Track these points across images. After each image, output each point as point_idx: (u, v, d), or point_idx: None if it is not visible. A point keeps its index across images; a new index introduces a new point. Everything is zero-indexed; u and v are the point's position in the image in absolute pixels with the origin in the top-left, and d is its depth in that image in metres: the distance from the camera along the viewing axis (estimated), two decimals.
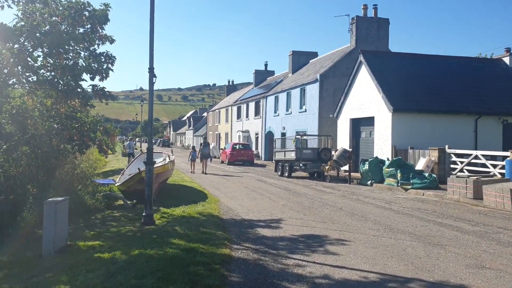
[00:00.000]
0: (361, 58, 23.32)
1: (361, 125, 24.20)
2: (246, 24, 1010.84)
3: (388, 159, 18.45)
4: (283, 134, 34.00)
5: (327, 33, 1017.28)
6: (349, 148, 22.77)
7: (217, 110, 59.70)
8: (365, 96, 23.04)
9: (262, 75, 50.93)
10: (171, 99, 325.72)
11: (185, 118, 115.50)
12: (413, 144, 20.03)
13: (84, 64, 11.42)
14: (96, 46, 11.92)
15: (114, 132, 12.64)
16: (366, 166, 18.19)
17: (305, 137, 24.61)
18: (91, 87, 11.42)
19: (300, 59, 39.44)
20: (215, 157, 42.82)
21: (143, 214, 9.08)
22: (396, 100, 20.78)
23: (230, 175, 23.19)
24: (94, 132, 12.31)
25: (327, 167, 20.40)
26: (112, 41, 12.09)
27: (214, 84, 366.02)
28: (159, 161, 16.18)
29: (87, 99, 11.56)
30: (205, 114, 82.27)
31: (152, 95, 9.45)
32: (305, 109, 30.99)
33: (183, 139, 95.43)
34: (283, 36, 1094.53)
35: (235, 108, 49.61)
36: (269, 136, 38.44)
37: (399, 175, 16.35)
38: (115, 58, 11.89)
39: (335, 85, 28.74)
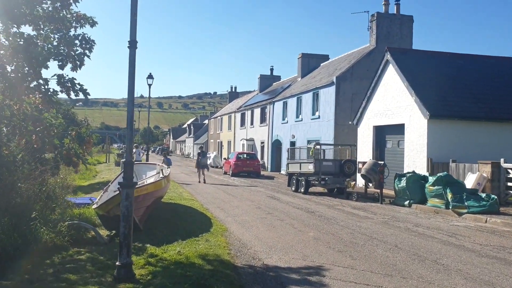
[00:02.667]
0: (387, 56, 20.27)
1: (386, 133, 21.07)
2: (249, 30, 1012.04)
3: (430, 175, 15.30)
4: (292, 143, 30.85)
5: (337, 37, 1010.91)
6: (372, 159, 19.62)
7: (219, 117, 56.57)
8: (393, 100, 19.95)
9: (267, 80, 47.94)
10: (172, 107, 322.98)
11: (185, 125, 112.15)
12: (453, 156, 16.91)
13: (47, 45, 8.45)
14: (72, 30, 9.00)
15: (90, 138, 9.52)
16: (403, 183, 15.00)
17: (323, 147, 21.33)
18: (56, 77, 8.41)
19: (310, 62, 36.45)
20: (216, 167, 39.79)
21: (117, 263, 5.95)
22: (432, 104, 17.71)
23: (236, 189, 20.04)
24: (61, 138, 9.27)
25: (353, 182, 17.25)
26: (93, 23, 9.19)
27: (215, 93, 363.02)
28: (150, 175, 13.08)
29: (51, 95, 8.54)
30: (206, 121, 79.13)
31: (133, 84, 6.35)
32: (319, 116, 27.89)
33: (183, 147, 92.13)
34: (287, 42, 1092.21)
35: (238, 115, 46.49)
36: (276, 144, 35.32)
37: (449, 195, 13.15)
38: (94, 43, 9.06)
39: (353, 89, 25.71)
